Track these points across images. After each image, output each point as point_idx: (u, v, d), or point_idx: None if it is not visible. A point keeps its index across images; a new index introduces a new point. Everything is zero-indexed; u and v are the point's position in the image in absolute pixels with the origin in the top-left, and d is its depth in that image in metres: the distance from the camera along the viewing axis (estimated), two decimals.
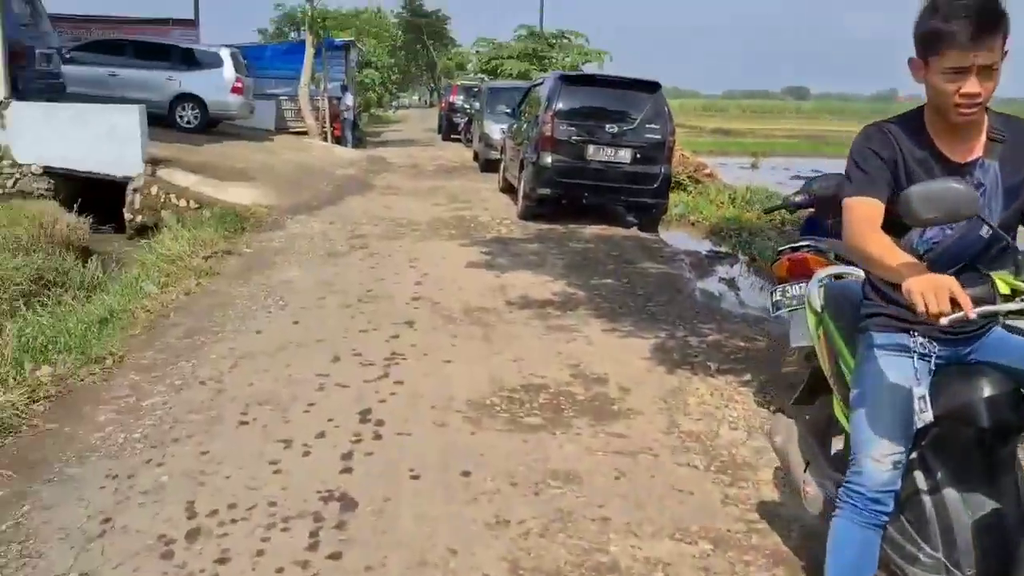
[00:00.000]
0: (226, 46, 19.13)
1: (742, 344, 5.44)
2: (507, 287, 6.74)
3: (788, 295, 3.87)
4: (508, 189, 12.62)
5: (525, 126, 10.99)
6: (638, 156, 9.81)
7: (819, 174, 4.82)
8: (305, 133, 21.63)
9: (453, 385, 4.44)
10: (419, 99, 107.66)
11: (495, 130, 15.89)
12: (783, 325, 5.95)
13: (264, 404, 4.10)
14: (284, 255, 7.93)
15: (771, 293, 3.99)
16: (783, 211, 5.96)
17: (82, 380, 4.40)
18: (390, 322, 5.65)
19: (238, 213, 10.14)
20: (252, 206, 10.73)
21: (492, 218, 10.52)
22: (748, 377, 4.72)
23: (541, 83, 11.15)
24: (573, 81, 10.11)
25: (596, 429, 3.90)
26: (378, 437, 3.74)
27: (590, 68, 27.91)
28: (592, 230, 9.93)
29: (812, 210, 4.82)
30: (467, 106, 23.72)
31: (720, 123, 52.84)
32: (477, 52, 35.77)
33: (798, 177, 20.15)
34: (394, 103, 77.24)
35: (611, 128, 9.75)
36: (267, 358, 4.85)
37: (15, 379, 4.25)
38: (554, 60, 29.43)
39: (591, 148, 9.78)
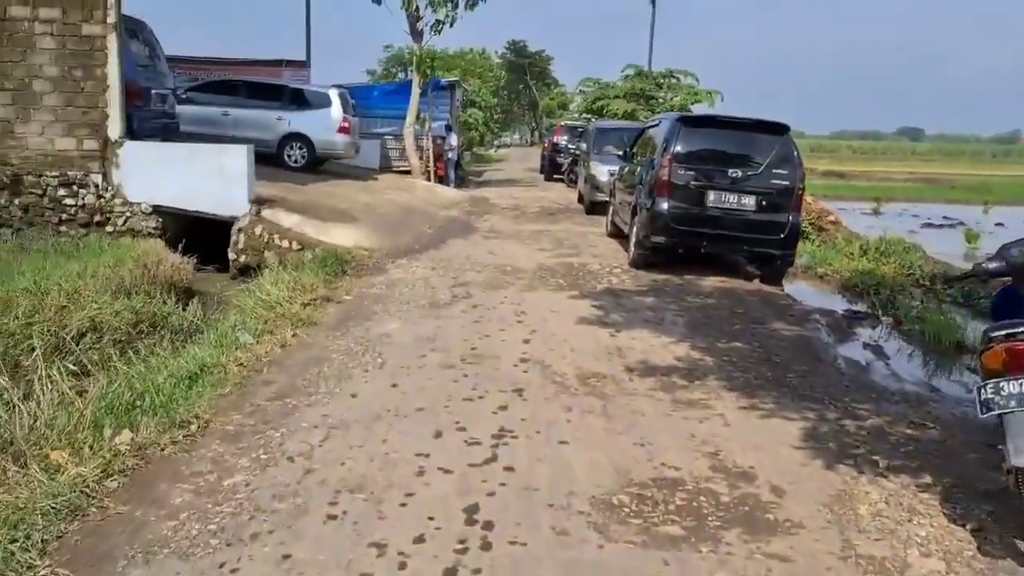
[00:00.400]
0: (335, 86, 19.39)
1: (909, 432, 4.60)
2: (624, 349, 6.08)
3: (1004, 393, 3.09)
4: (616, 234, 12.00)
5: (639, 169, 10.37)
6: (763, 203, 9.03)
7: (1014, 239, 4.02)
8: (409, 172, 21.66)
9: (572, 475, 3.81)
10: (520, 138, 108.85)
11: (602, 172, 15.35)
12: (958, 410, 5.12)
13: (356, 492, 3.57)
14: (384, 304, 7.51)
15: (979, 389, 3.20)
16: (951, 278, 5.13)
17: (163, 449, 3.99)
18: (497, 388, 5.08)
19: (339, 256, 9.86)
20: (354, 248, 10.46)
21: (602, 266, 9.90)
22: (928, 480, 3.90)
23: (657, 124, 10.54)
24: (693, 123, 9.46)
25: (751, 547, 3.19)
26: (487, 546, 3.13)
27: (700, 108, 27.14)
28: (711, 282, 9.17)
29: (1008, 279, 4.02)
30: (571, 146, 23.33)
31: (831, 165, 50.77)
32: (582, 91, 35.47)
33: (930, 224, 18.80)
34: (495, 142, 78.26)
35: (734, 173, 9.02)
36: (362, 429, 4.34)
37: (92, 447, 3.86)
38: (662, 101, 28.81)
39: (711, 194, 9.07)
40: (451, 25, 20.51)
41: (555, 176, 26.46)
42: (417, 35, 20.75)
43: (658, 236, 9.25)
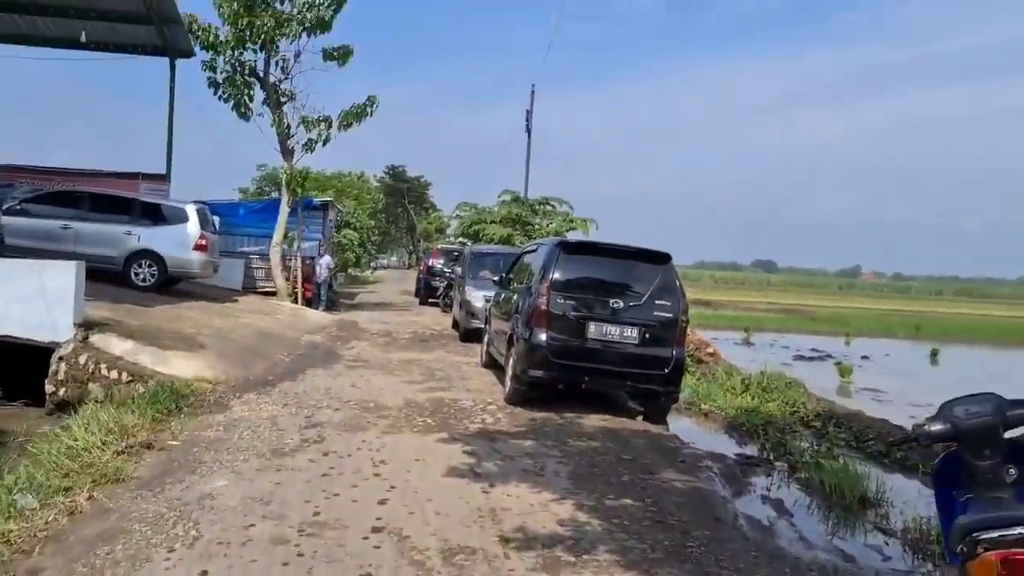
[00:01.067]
0: (196, 202, 18.23)
1: None
2: (499, 511, 5.14)
3: None
4: (492, 364, 11.23)
5: (515, 297, 9.73)
6: (647, 336, 8.50)
7: (970, 396, 3.44)
8: (275, 294, 20.42)
9: None
10: (397, 260, 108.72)
11: (478, 297, 14.73)
12: None
13: None
14: (217, 452, 6.30)
15: None
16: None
17: None
18: (338, 575, 4.01)
19: (176, 389, 8.55)
20: (195, 380, 9.18)
21: (475, 402, 9.02)
22: None
23: (534, 249, 10.02)
24: (572, 249, 8.95)
25: None
26: None
27: (575, 236, 27.45)
28: (594, 421, 8.45)
29: (954, 445, 3.42)
30: (447, 270, 22.81)
31: (697, 293, 52.64)
32: (459, 216, 35.51)
33: (801, 356, 19.12)
34: (372, 263, 77.63)
35: (615, 303, 8.50)
36: None
37: None
38: (538, 226, 29.02)
39: (592, 326, 8.48)
40: (324, 144, 20.00)
41: (431, 300, 25.78)
42: (288, 153, 20.06)
43: (536, 370, 8.51)
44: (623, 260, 8.86)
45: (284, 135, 19.89)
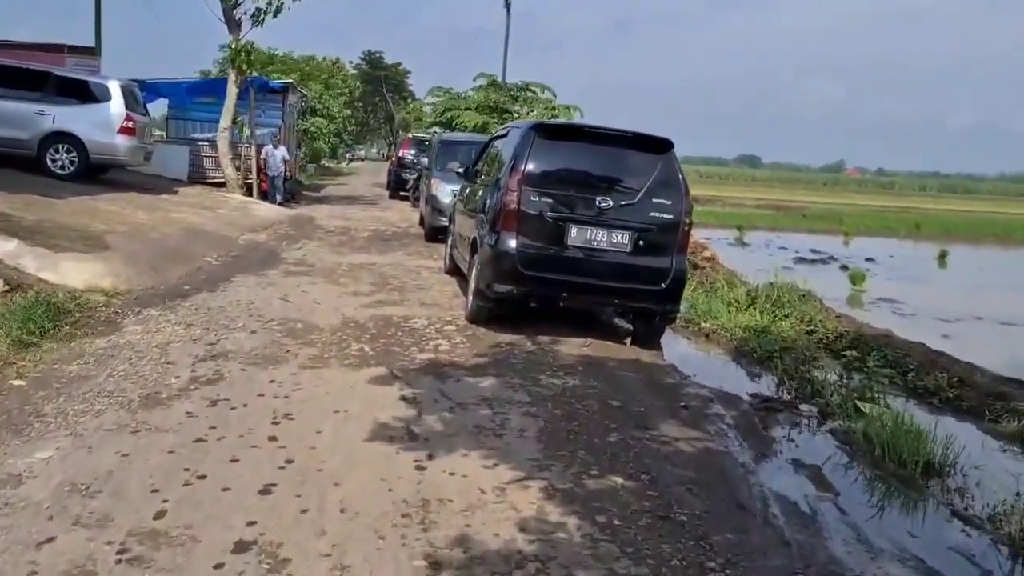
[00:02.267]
0: (133, 80, 16.05)
1: None
2: (433, 507, 3.57)
3: None
4: (456, 271, 9.59)
5: (480, 192, 7.98)
6: (641, 243, 6.85)
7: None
8: (224, 185, 18.48)
9: None
10: (377, 152, 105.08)
11: (445, 192, 12.97)
12: None
13: None
14: (68, 399, 4.67)
15: None
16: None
17: None
18: None
19: (56, 303, 6.86)
20: (86, 290, 7.48)
21: (430, 321, 7.42)
22: None
23: (506, 134, 8.18)
24: (550, 133, 7.13)
25: None
26: None
27: None
28: (572, 346, 6.89)
29: None
30: (418, 162, 20.86)
31: None
32: (432, 104, 32.97)
33: (802, 259, 17.55)
34: (348, 155, 74.73)
35: (603, 202, 6.79)
36: None
37: None
38: (517, 114, 26.79)
39: (573, 229, 6.79)
40: (275, 15, 17.59)
41: (401, 194, 23.92)
42: (235, 26, 17.68)
43: (503, 284, 6.87)
44: (613, 148, 7.08)
45: (229, 2, 17.47)
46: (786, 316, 8.38)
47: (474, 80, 28.36)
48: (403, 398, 5.07)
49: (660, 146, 7.08)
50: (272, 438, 4.21)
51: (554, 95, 27.63)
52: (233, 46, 16.87)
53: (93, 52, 17.91)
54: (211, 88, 19.78)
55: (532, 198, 6.79)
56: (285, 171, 18.89)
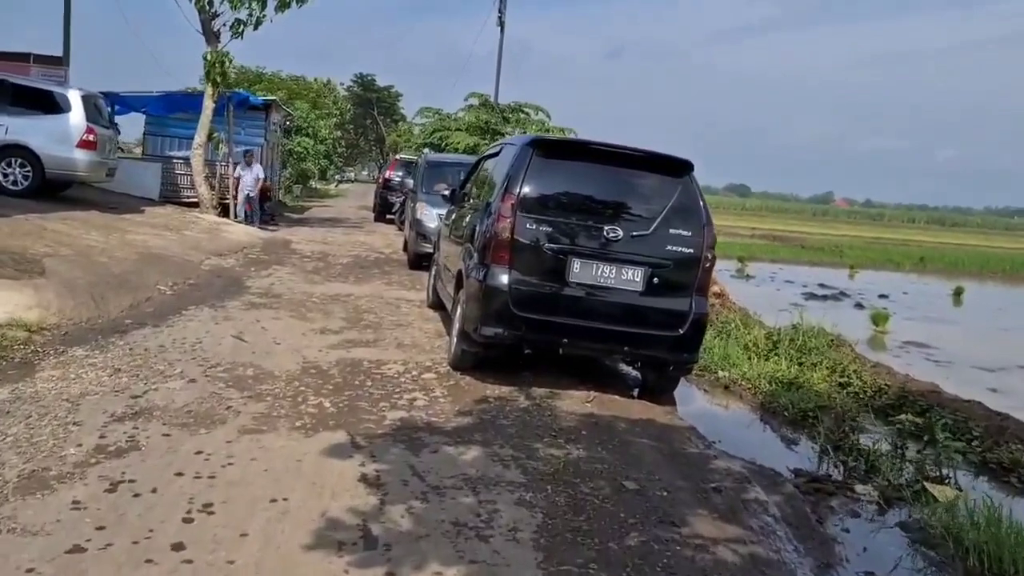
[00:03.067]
0: (105, 94, 15.05)
1: None
2: None
3: None
4: (439, 305, 8.53)
5: (468, 217, 6.94)
6: (655, 280, 5.82)
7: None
8: (198, 204, 17.40)
9: None
10: (368, 174, 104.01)
11: (431, 216, 11.97)
12: None
13: None
14: None
15: None
16: None
17: None
18: None
19: None
20: (5, 324, 6.38)
21: (406, 366, 6.34)
22: None
23: (498, 151, 7.15)
24: (551, 150, 6.10)
25: None
26: None
27: None
28: (574, 401, 5.84)
29: None
30: (404, 183, 19.90)
31: None
32: (420, 124, 31.96)
33: (812, 295, 16.51)
34: (338, 176, 73.83)
35: (611, 232, 5.77)
36: None
37: None
38: (510, 135, 25.87)
39: (576, 263, 5.76)
40: (256, 27, 16.61)
41: (388, 217, 22.90)
42: (212, 37, 16.69)
43: (492, 326, 5.81)
44: (623, 169, 6.07)
45: (206, 13, 16.51)
46: (814, 365, 7.34)
47: (465, 100, 27.46)
48: (363, 478, 3.98)
49: (678, 168, 6.08)
50: (177, 546, 3.12)
51: (548, 116, 26.77)
52: (208, 58, 15.86)
53: (60, 62, 16.91)
54: (189, 103, 18.74)
55: (528, 226, 5.76)
56: (257, 192, 17.73)
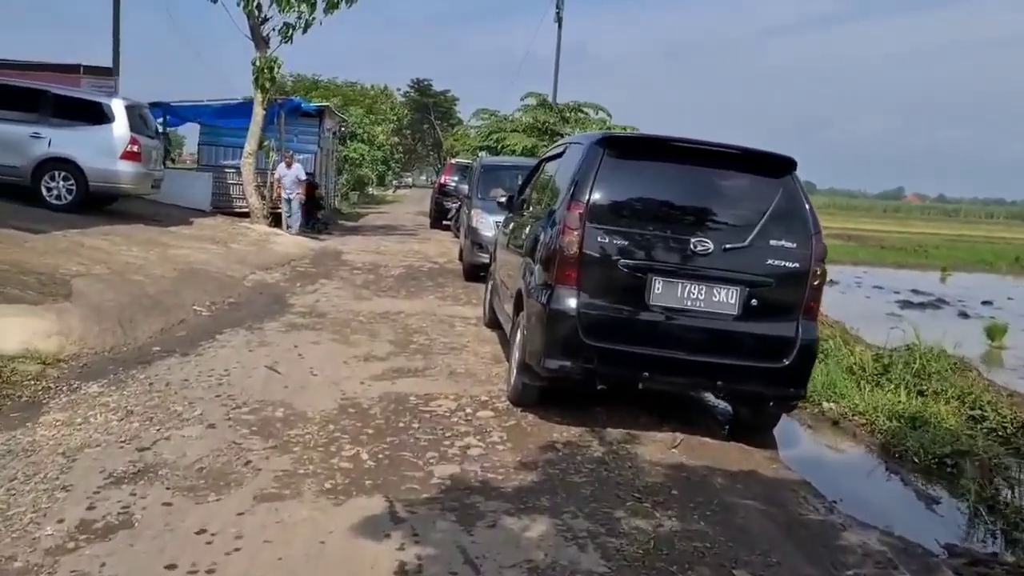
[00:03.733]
0: (154, 104, 14.67)
1: None
2: None
3: None
4: (497, 323, 7.67)
5: (529, 228, 6.05)
6: (754, 302, 4.86)
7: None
8: (248, 215, 16.93)
9: None
10: (426, 179, 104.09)
11: (487, 223, 11.15)
12: None
13: None
14: None
15: None
16: None
17: None
18: None
19: None
20: (19, 355, 5.75)
21: (458, 403, 5.50)
22: None
23: (562, 151, 6.24)
24: (625, 149, 5.17)
25: None
26: None
27: None
28: (656, 448, 4.90)
29: None
30: (460, 188, 19.15)
31: None
32: (475, 127, 31.14)
33: (908, 303, 15.08)
34: (395, 182, 73.96)
35: (699, 244, 4.82)
36: None
37: None
38: (570, 136, 24.95)
39: (658, 283, 4.83)
40: (305, 30, 16.08)
41: (444, 223, 22.18)
42: (261, 42, 16.19)
43: (558, 358, 4.91)
44: (712, 170, 5.11)
45: (255, 17, 16.02)
46: (937, 394, 6.25)
47: (521, 100, 26.53)
48: (402, 570, 3.13)
49: (778, 166, 5.11)
50: None
51: (609, 115, 25.73)
52: (257, 63, 15.34)
53: (110, 72, 16.66)
54: (243, 111, 18.28)
55: (599, 239, 4.85)
56: (299, 196, 16.99)
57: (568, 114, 25.47)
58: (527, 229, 6.06)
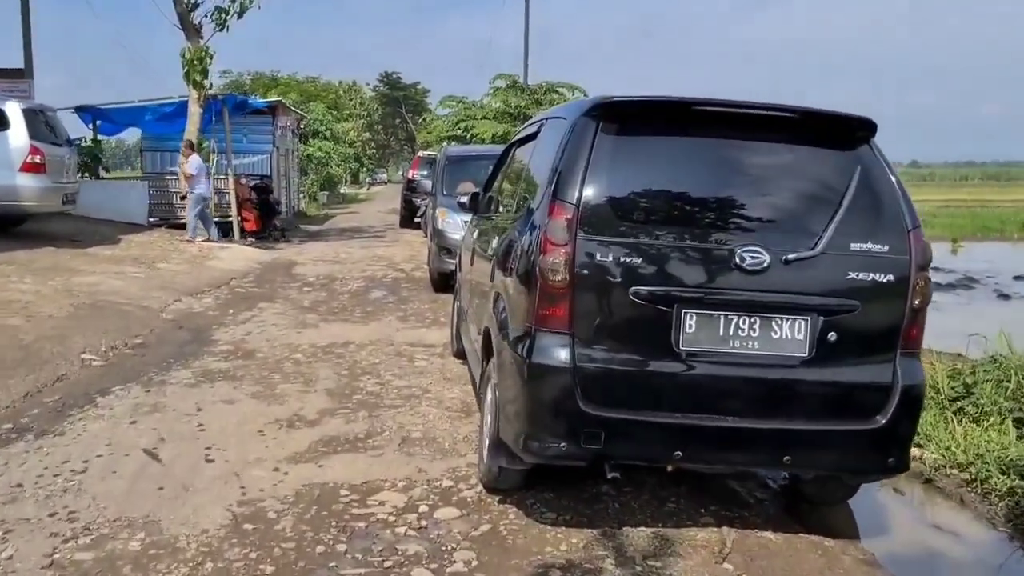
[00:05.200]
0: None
1: None
2: None
3: None
4: (466, 354, 6.02)
5: (497, 239, 4.37)
6: (831, 336, 3.26)
7: None
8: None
9: None
10: (402, 175, 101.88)
11: (454, 224, 9.54)
12: None
13: None
14: None
15: None
16: None
17: None
18: None
19: None
20: None
21: (410, 497, 3.86)
22: None
23: (536, 131, 4.56)
24: (628, 120, 3.51)
25: None
26: None
27: None
28: (701, 560, 3.29)
29: None
30: (424, 184, 17.53)
31: None
32: (443, 115, 29.27)
33: (936, 284, 13.53)
34: (368, 179, 72.13)
35: (748, 255, 3.21)
36: None
37: None
38: None
39: (689, 318, 3.22)
40: (240, 15, 14.35)
41: (415, 220, 20.47)
42: (193, 31, 14.43)
43: (548, 439, 3.28)
44: (757, 143, 3.49)
45: (182, 3, 14.24)
46: None
47: (490, 83, 24.65)
48: None
49: (851, 133, 3.50)
50: None
51: (585, 95, 24.06)
52: (186, 55, 13.56)
53: (23, 74, 14.82)
54: (181, 111, 16.48)
55: (599, 257, 3.22)
56: (205, 198, 14.61)
57: (542, 96, 23.69)
58: (494, 241, 4.41)
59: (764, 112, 3.38)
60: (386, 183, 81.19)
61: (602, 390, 3.24)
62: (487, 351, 4.11)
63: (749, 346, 3.25)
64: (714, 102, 3.39)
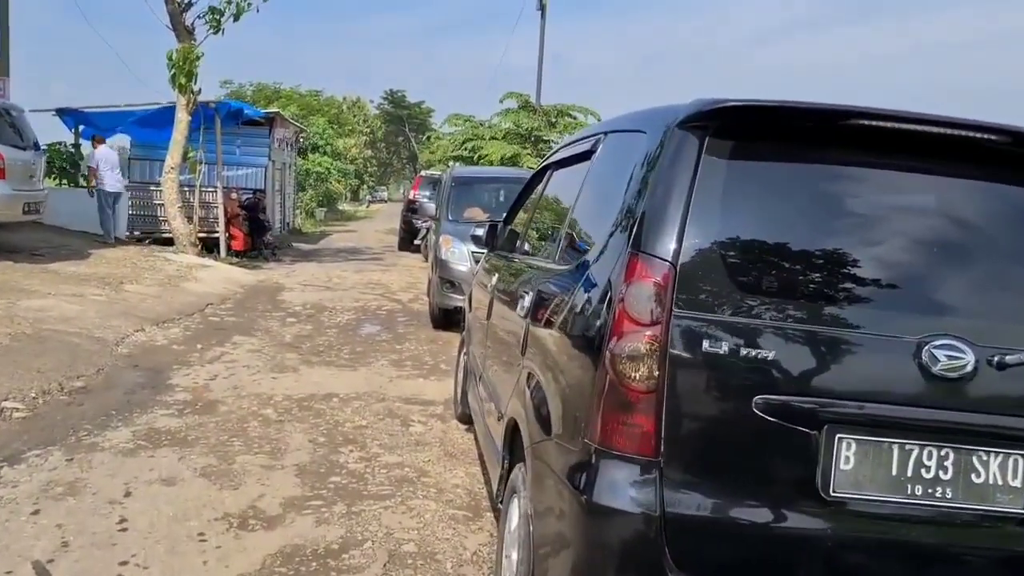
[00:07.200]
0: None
1: None
2: None
3: None
4: (472, 420, 4.82)
5: (531, 292, 3.19)
6: None
7: None
8: (172, 241, 14.06)
9: None
10: (403, 193, 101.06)
11: (460, 255, 8.47)
12: None
13: None
14: None
15: None
16: None
17: None
18: None
19: None
20: None
21: None
22: None
23: (591, 148, 3.35)
24: (752, 135, 2.33)
25: None
26: None
27: None
28: None
29: None
30: (427, 207, 16.45)
31: None
32: (448, 134, 28.14)
33: None
34: (368, 196, 71.33)
35: (939, 351, 2.04)
36: None
37: None
38: (555, 145, 22.22)
39: (848, 448, 2.05)
40: (237, 18, 13.28)
41: (416, 242, 19.37)
42: (185, 33, 13.36)
43: None
44: (957, 178, 2.32)
45: (175, 4, 13.18)
46: None
47: (501, 102, 23.48)
48: None
49: None
50: None
51: (599, 120, 23.03)
52: (172, 56, 12.47)
53: None
54: (165, 117, 15.35)
55: (706, 344, 2.05)
56: (114, 200, 13.47)
57: (555, 118, 22.56)
58: (525, 294, 3.23)
59: (974, 134, 2.22)
60: (386, 201, 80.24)
61: (703, 553, 2.07)
62: (512, 449, 2.94)
63: (939, 493, 2.07)
64: (888, 114, 2.22)
